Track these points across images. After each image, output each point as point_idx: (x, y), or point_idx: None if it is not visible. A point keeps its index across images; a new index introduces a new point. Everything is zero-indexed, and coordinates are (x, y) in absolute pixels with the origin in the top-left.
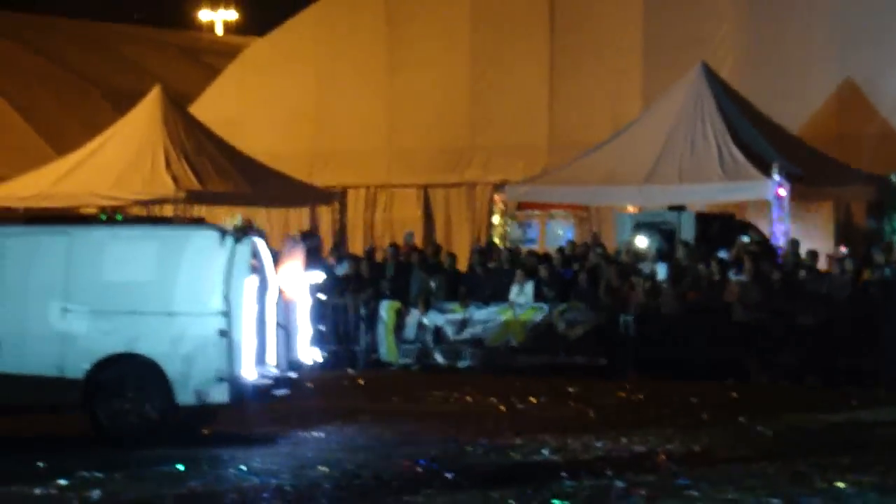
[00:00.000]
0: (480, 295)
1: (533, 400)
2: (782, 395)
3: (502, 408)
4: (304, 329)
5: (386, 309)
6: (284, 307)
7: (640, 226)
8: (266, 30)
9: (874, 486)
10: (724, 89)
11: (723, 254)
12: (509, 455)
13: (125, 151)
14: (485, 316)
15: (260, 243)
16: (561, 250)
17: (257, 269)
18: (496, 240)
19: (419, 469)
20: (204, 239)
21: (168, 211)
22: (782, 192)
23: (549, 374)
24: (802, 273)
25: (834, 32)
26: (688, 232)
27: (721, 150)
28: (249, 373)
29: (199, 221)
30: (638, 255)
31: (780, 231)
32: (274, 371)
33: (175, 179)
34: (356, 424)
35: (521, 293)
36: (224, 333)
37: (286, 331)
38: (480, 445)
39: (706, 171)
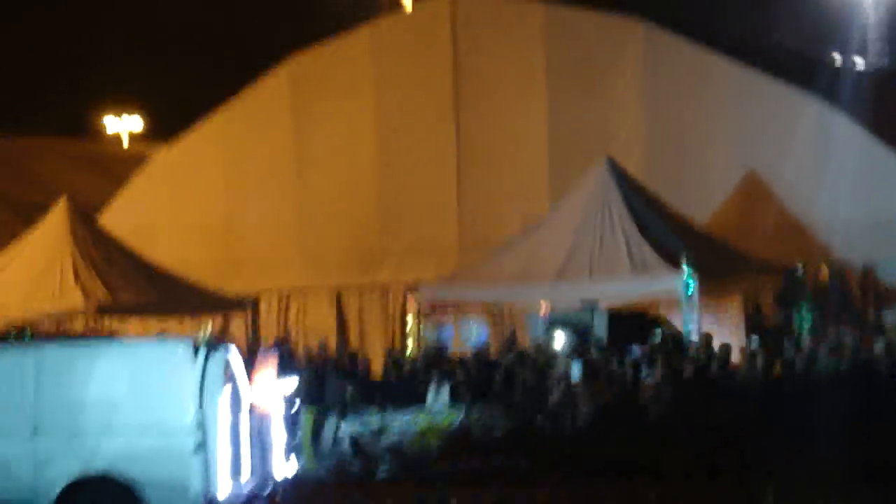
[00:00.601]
0: (396, 401)
1: None
2: (699, 492)
3: None
4: (279, 440)
5: (304, 416)
6: (259, 419)
7: (553, 324)
8: (172, 136)
9: None
10: (630, 183)
11: (636, 351)
12: None
13: (33, 265)
14: (402, 423)
15: (233, 354)
16: (476, 351)
17: (231, 381)
18: (410, 341)
19: None
20: (176, 353)
21: (79, 325)
22: (693, 285)
23: (469, 481)
24: (717, 368)
25: (734, 124)
26: (600, 329)
27: (630, 245)
28: (225, 490)
29: (109, 336)
30: (553, 355)
31: (687, 325)
32: (249, 486)
33: (84, 292)
34: None
35: (438, 398)
36: (200, 450)
37: (262, 443)
38: None
39: (616, 265)
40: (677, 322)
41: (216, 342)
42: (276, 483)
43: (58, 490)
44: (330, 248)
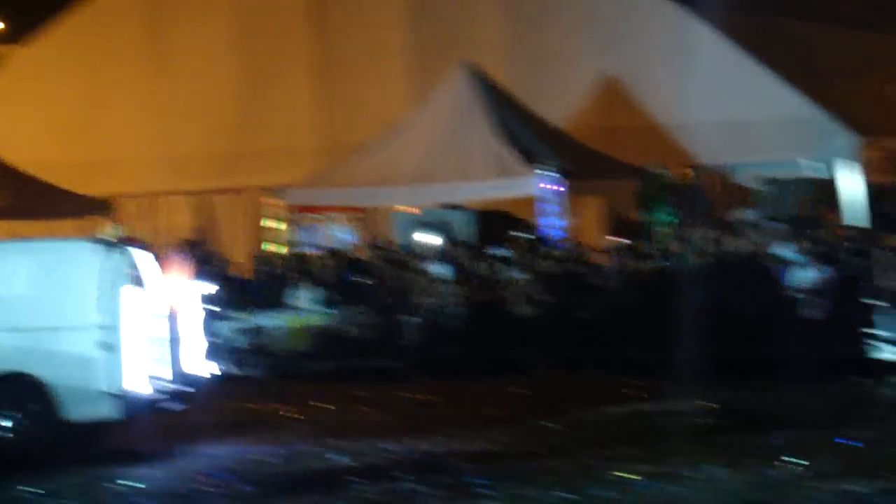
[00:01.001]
0: (265, 301)
1: (325, 406)
2: (567, 389)
3: (296, 415)
4: (197, 341)
5: None
6: (174, 319)
7: (420, 225)
8: (29, 37)
9: (662, 474)
10: (490, 87)
11: (501, 251)
12: (306, 463)
13: None
14: (271, 323)
15: (141, 254)
16: (344, 253)
17: (139, 280)
18: (276, 245)
19: (216, 483)
20: (81, 251)
21: None
22: (555, 186)
23: (338, 380)
24: (580, 267)
25: (593, 29)
26: (468, 230)
27: (490, 148)
28: (139, 387)
29: None
30: (420, 256)
31: (551, 226)
32: (167, 384)
33: None
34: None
35: (306, 298)
36: (107, 347)
37: (177, 343)
38: (277, 454)
39: (476, 168)
40: (543, 223)
41: (124, 242)
42: (190, 383)
43: None
44: (190, 154)
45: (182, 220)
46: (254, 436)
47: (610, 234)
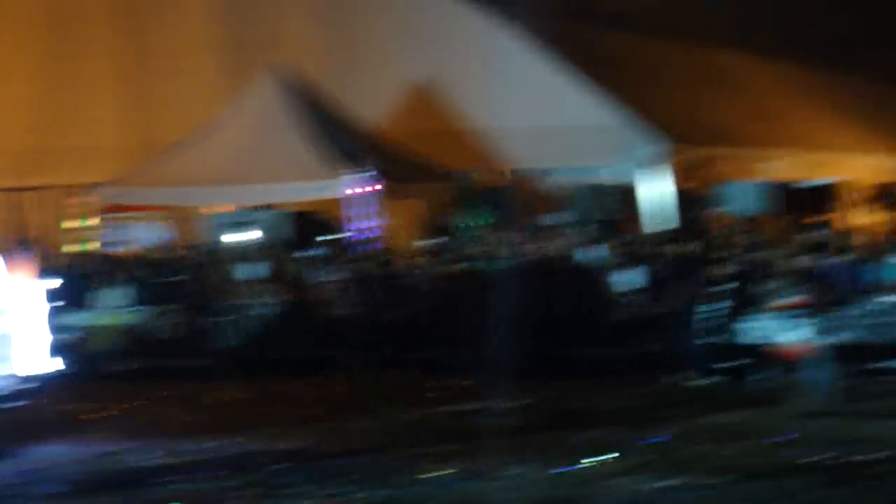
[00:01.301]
0: (75, 301)
1: (132, 405)
2: (378, 390)
3: (102, 415)
4: (39, 337)
5: None
6: (15, 314)
7: (232, 226)
8: None
9: (472, 472)
10: (303, 88)
11: (312, 252)
12: (120, 460)
13: None
14: (81, 321)
15: None
16: (155, 252)
17: None
18: (84, 244)
19: (26, 484)
20: None
21: None
22: (369, 188)
23: (147, 379)
24: (389, 268)
25: (408, 33)
26: (279, 231)
27: (302, 149)
28: None
29: None
30: (231, 256)
31: (363, 227)
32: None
33: None
34: None
35: (116, 297)
36: None
37: (17, 339)
38: (90, 453)
39: (288, 169)
40: (357, 224)
41: None
42: (33, 381)
43: None
44: None
45: None
46: (57, 436)
47: (425, 236)
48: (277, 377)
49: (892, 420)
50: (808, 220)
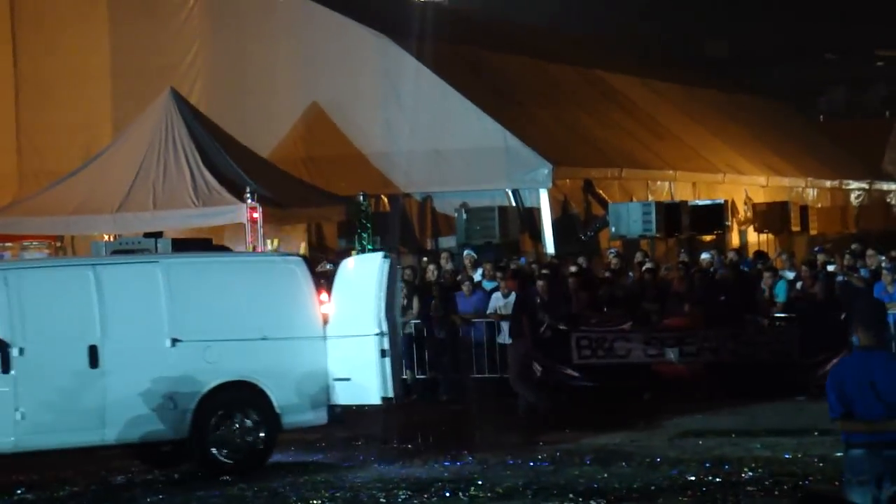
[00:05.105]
0: None
1: None
2: None
3: None
4: None
5: None
6: None
7: (117, 253)
8: None
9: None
10: (194, 115)
11: None
12: None
13: None
14: None
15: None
16: None
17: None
18: None
19: None
20: (288, 265)
21: None
22: (255, 215)
23: None
24: None
25: (299, 59)
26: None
27: (194, 176)
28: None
29: None
30: None
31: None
32: None
33: None
34: None
35: None
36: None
37: None
38: None
39: (180, 197)
40: (241, 248)
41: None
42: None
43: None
44: None
45: None
46: None
47: (314, 262)
48: None
49: (759, 440)
50: (695, 239)
